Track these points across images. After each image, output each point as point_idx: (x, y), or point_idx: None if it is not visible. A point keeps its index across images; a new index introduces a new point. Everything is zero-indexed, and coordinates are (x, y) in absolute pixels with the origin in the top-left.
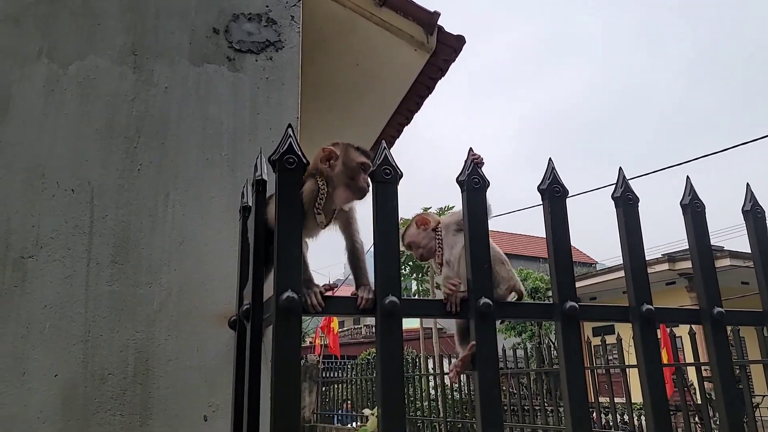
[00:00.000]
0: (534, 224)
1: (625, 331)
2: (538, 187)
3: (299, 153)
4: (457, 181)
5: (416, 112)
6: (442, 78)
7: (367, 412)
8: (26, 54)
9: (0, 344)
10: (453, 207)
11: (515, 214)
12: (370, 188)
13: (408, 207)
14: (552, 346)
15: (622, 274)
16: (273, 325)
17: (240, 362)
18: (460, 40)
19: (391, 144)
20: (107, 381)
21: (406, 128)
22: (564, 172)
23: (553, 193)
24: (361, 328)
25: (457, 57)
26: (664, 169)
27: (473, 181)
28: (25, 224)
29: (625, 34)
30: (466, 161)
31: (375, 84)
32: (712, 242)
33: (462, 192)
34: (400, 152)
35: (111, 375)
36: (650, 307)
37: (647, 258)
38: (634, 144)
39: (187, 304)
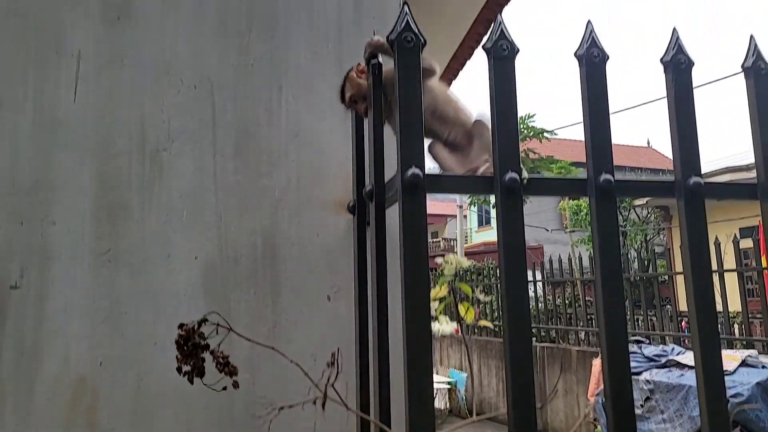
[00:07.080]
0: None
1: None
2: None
3: (417, 31)
4: (575, 55)
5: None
6: None
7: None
8: None
9: (146, 230)
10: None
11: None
12: None
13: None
14: (639, 252)
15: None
16: (399, 201)
17: (361, 242)
18: None
19: (477, 42)
20: (240, 263)
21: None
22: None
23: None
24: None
25: None
26: None
27: (592, 55)
28: (157, 119)
29: None
30: (584, 35)
31: None
32: None
33: (580, 67)
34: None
35: (243, 257)
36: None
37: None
38: None
39: (306, 193)
